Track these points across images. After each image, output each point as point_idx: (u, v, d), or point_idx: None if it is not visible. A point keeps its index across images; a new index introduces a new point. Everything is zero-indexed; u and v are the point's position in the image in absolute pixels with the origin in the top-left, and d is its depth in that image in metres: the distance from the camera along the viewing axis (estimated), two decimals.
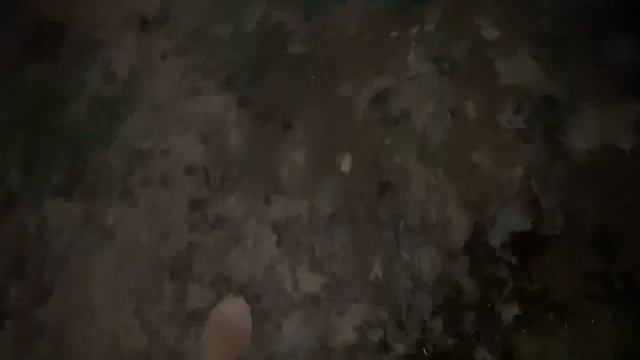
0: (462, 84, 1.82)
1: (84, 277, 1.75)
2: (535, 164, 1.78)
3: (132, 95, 1.88)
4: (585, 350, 1.51)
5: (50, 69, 2.02)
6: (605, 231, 1.70)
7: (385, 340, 1.52)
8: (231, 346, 1.56)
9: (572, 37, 1.92)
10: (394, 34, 1.83)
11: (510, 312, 1.55)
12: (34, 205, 1.86)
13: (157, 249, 1.70)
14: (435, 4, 1.88)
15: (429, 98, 1.79)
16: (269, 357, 1.54)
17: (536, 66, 1.89)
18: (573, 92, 1.89)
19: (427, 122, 1.76)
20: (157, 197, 1.74)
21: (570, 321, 1.56)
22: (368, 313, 1.53)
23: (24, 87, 2.02)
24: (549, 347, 1.53)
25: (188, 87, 1.81)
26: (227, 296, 1.61)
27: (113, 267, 1.73)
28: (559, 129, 1.85)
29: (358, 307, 1.54)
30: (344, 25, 1.84)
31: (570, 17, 1.94)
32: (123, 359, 1.63)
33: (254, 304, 1.59)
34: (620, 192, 1.76)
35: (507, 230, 1.69)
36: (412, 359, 1.51)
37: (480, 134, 1.79)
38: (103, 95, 1.92)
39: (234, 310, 1.59)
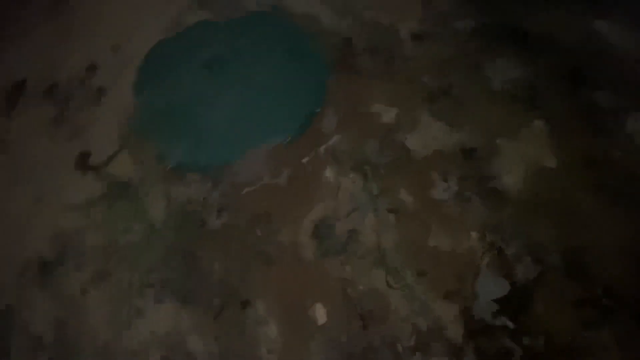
0: (388, 179, 1.79)
1: None
2: (484, 220, 1.80)
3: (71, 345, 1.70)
4: None
5: None
6: (574, 255, 1.77)
7: None
8: None
9: (457, 82, 1.93)
10: (305, 159, 1.75)
11: None
12: None
13: None
14: (326, 108, 1.81)
15: (366, 209, 1.75)
16: None
17: (440, 126, 1.89)
18: (483, 133, 1.91)
19: (374, 233, 1.72)
20: None
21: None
22: None
23: None
24: None
25: (126, 314, 1.66)
26: None
27: None
28: (487, 175, 1.88)
29: None
30: (253, 176, 1.74)
31: (449, 61, 1.94)
32: None
33: None
34: (568, 210, 1.83)
35: (490, 297, 1.72)
36: None
37: (425, 218, 1.78)
38: None
39: None
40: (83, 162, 1.69)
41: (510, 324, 1.71)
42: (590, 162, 1.98)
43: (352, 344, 1.60)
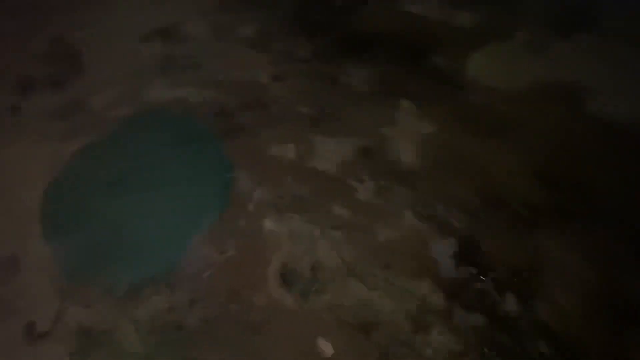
0: (317, 203, 1.92)
1: None
2: (409, 199, 2.01)
3: None
4: None
5: None
6: (488, 190, 2.06)
7: None
8: None
9: (325, 99, 2.14)
10: (241, 222, 1.81)
11: None
12: None
13: None
14: (236, 171, 1.88)
15: (314, 238, 1.85)
16: None
17: (332, 141, 2.08)
18: (368, 131, 2.13)
19: (333, 253, 1.84)
20: None
21: None
22: None
23: None
24: None
25: None
26: None
27: None
28: (389, 161, 2.10)
29: None
30: (203, 262, 1.75)
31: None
32: None
33: None
34: (465, 159, 2.12)
35: (447, 256, 1.92)
36: None
37: (365, 220, 1.93)
38: None
39: None
40: (31, 333, 1.56)
41: (473, 269, 1.92)
42: (458, 116, 2.31)
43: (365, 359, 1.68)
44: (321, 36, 2.45)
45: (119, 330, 1.58)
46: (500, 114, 2.31)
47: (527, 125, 2.29)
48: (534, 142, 2.25)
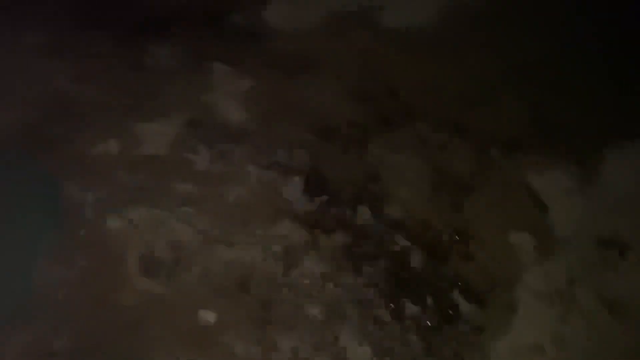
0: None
1: None
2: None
3: None
4: None
5: None
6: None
7: None
8: None
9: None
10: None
11: None
12: None
13: None
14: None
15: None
16: None
17: None
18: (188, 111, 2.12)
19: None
20: None
21: None
22: None
23: None
24: None
25: None
26: None
27: None
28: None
29: None
30: (57, 292, 1.66)
31: None
32: None
33: None
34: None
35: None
36: None
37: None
38: None
39: None
40: None
41: (325, 197, 2.04)
42: (270, 65, 2.38)
43: None
44: (115, 25, 2.36)
45: None
46: (307, 51, 2.43)
47: (333, 54, 2.43)
48: (343, 67, 2.40)
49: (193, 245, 1.84)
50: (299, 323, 1.72)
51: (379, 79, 2.38)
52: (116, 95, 2.15)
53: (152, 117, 2.12)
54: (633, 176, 2.12)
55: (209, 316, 1.70)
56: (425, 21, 2.51)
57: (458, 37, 2.47)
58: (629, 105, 2.34)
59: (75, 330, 1.60)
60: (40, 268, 1.67)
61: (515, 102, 2.32)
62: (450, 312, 1.84)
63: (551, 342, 1.78)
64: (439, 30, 2.50)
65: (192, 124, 2.13)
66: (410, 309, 1.82)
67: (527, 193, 2.09)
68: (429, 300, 1.86)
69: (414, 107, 2.31)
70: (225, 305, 1.72)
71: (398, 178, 2.12)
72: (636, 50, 2.46)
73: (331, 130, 2.22)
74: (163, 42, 2.36)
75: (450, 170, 2.15)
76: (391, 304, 1.84)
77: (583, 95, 2.37)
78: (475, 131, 2.26)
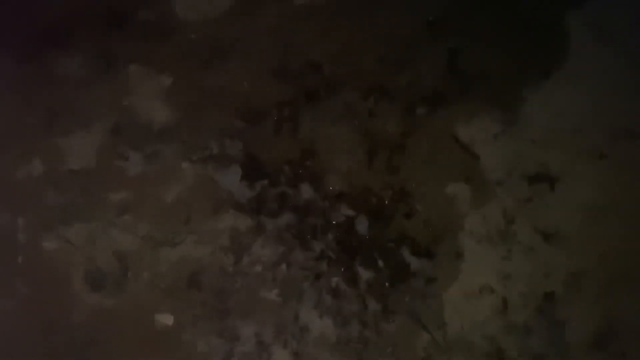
0: None
1: None
2: None
3: None
4: None
5: None
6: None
7: None
8: None
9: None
10: None
11: None
12: None
13: None
14: None
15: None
16: None
17: None
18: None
19: None
20: None
21: None
22: None
23: None
24: None
25: None
26: None
27: None
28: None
29: None
30: None
31: None
32: None
33: None
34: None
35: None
36: None
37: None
38: None
39: None
40: None
41: (264, 181, 2.05)
42: (185, 57, 2.33)
43: None
44: (14, 39, 2.24)
45: None
46: (222, 37, 2.38)
47: (248, 36, 2.40)
48: (260, 48, 2.38)
49: (137, 252, 1.82)
50: (257, 309, 1.74)
51: (297, 54, 2.37)
52: (31, 113, 2.06)
53: (72, 129, 2.05)
54: (552, 111, 2.22)
55: (166, 319, 1.70)
56: None
57: (367, 1, 2.48)
58: (541, 44, 2.44)
59: (29, 359, 1.56)
60: None
61: (432, 56, 2.37)
62: (402, 269, 1.91)
63: (498, 280, 1.88)
64: None
65: (116, 131, 2.07)
66: (363, 274, 1.88)
67: (456, 144, 2.16)
68: (380, 263, 1.91)
69: (337, 78, 2.32)
70: (180, 305, 1.72)
71: (333, 150, 2.14)
72: None
73: (259, 113, 2.22)
74: (69, 51, 2.27)
75: (382, 134, 2.19)
76: (345, 273, 1.88)
77: (496, 39, 2.43)
78: (399, 92, 2.30)
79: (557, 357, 1.81)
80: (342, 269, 1.89)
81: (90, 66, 2.25)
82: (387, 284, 1.85)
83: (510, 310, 1.83)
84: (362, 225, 1.98)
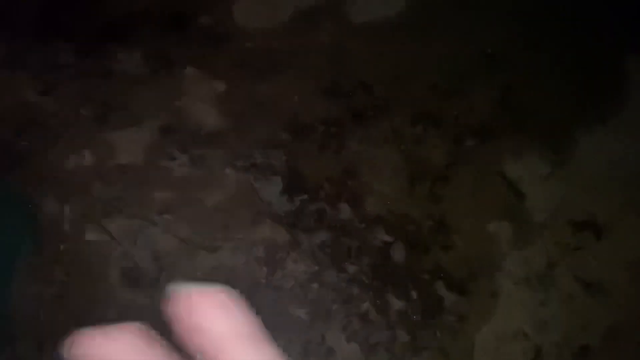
0: None
1: None
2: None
3: None
4: None
5: None
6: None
7: None
8: None
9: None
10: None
11: None
12: None
13: None
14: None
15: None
16: None
17: None
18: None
19: None
20: None
21: None
22: None
23: None
24: None
25: None
26: None
27: None
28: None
29: None
30: None
31: None
32: None
33: None
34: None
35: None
36: None
37: None
38: None
39: None
40: None
41: (304, 196, 2.05)
42: (241, 66, 2.36)
43: None
44: (77, 33, 2.31)
45: None
46: (277, 49, 2.41)
47: (303, 50, 2.42)
48: (314, 64, 2.39)
49: (175, 253, 1.84)
50: (284, 325, 1.73)
51: (350, 73, 2.37)
52: (86, 106, 2.11)
53: (124, 125, 2.09)
54: (605, 158, 2.16)
55: None
56: (392, 12, 2.50)
57: (426, 26, 2.48)
58: (598, 88, 2.38)
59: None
60: (17, 289, 1.65)
61: (486, 89, 2.34)
62: (434, 303, 1.87)
63: (533, 326, 1.82)
64: (407, 20, 2.50)
65: (166, 131, 2.11)
66: (395, 303, 1.85)
67: (502, 181, 2.12)
68: (413, 294, 1.88)
69: (387, 101, 2.32)
70: None
71: (376, 173, 2.13)
72: (603, 32, 2.49)
73: (306, 128, 2.22)
74: (129, 48, 2.32)
75: (427, 162, 2.17)
76: (376, 300, 1.86)
77: (553, 79, 2.40)
78: (449, 121, 2.27)
79: None
80: (374, 295, 1.86)
81: (148, 65, 2.30)
82: (418, 316, 1.82)
83: (543, 359, 1.77)
84: (398, 253, 1.96)
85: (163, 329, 0.32)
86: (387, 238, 1.98)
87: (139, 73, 2.29)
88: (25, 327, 1.61)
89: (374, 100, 2.33)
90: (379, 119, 2.28)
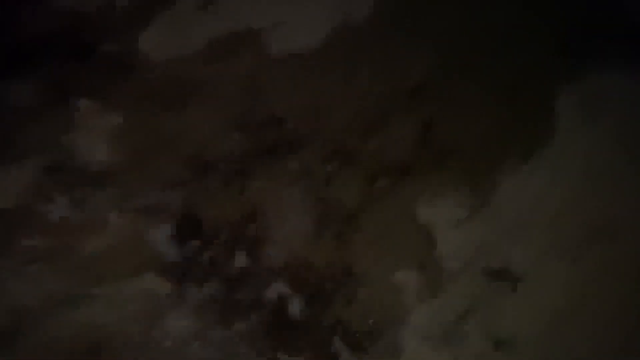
0: None
1: None
2: None
3: None
4: None
5: None
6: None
7: None
8: None
9: None
10: None
11: None
12: None
13: None
14: None
15: None
16: None
17: None
18: None
19: None
20: None
21: None
22: None
23: None
24: None
25: None
26: None
27: None
28: None
29: None
30: None
31: None
32: None
33: None
34: None
35: None
36: None
37: None
38: None
39: None
40: None
41: (197, 242, 1.88)
42: (144, 98, 2.21)
43: None
44: None
45: None
46: (187, 80, 2.26)
47: (215, 82, 2.27)
48: (226, 96, 2.25)
49: (41, 309, 1.65)
50: None
51: (264, 106, 2.23)
52: None
53: (4, 163, 1.91)
54: (526, 200, 2.02)
55: None
56: (312, 44, 2.37)
57: (346, 60, 2.34)
58: (524, 125, 2.26)
59: None
60: None
61: (406, 125, 2.21)
62: None
63: None
64: (329, 51, 2.37)
65: (49, 169, 1.94)
66: None
67: (415, 225, 1.97)
68: (307, 352, 1.71)
69: (300, 136, 2.17)
70: None
71: (280, 216, 1.97)
72: (532, 67, 2.38)
73: (210, 165, 2.06)
74: (24, 77, 2.16)
75: (336, 204, 2.02)
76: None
77: (477, 115, 2.26)
78: (364, 160, 2.13)
79: None
80: (263, 355, 1.69)
81: (41, 96, 2.14)
82: None
83: None
84: (295, 307, 1.79)
85: None
86: (285, 291, 1.81)
87: (31, 105, 2.12)
88: None
89: (286, 135, 2.18)
90: (289, 156, 2.12)
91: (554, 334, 1.79)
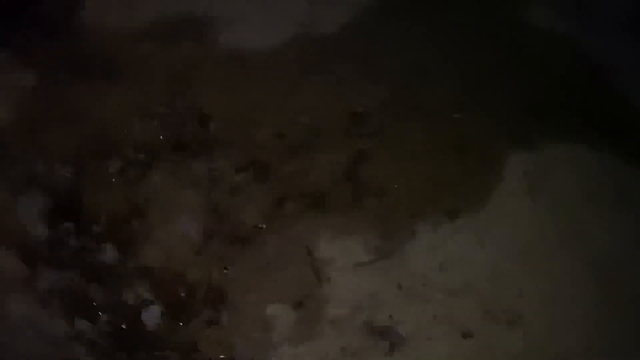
0: None
1: None
2: None
3: None
4: None
5: None
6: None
7: None
8: None
9: None
10: None
11: None
12: None
13: None
14: None
15: None
16: None
17: None
18: None
19: None
20: None
21: None
22: None
23: None
24: None
25: None
26: None
27: None
28: None
29: None
30: None
31: None
32: None
33: None
34: None
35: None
36: None
37: None
38: None
39: None
40: None
41: (71, 225, 1.74)
42: (68, 63, 2.08)
43: None
44: None
45: None
46: (117, 56, 2.13)
47: (147, 64, 2.14)
48: (153, 80, 2.11)
49: None
50: None
51: (190, 100, 2.09)
52: None
53: None
54: (436, 260, 1.85)
55: None
56: (264, 48, 2.23)
57: (295, 72, 2.20)
58: (462, 179, 2.09)
59: None
60: None
61: (338, 153, 2.05)
62: None
63: None
64: (276, 60, 2.23)
65: None
66: None
67: (310, 260, 1.81)
68: None
69: (219, 139, 2.03)
70: None
71: (168, 219, 1.82)
72: (489, 122, 2.21)
73: (112, 148, 1.92)
74: None
75: (234, 219, 1.87)
76: None
77: (416, 161, 2.09)
78: (280, 178, 1.98)
79: None
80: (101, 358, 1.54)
81: None
82: None
83: None
84: (151, 315, 1.63)
85: None
86: (148, 297, 1.66)
87: None
88: None
89: (203, 135, 2.04)
90: (200, 157, 1.98)
91: None
